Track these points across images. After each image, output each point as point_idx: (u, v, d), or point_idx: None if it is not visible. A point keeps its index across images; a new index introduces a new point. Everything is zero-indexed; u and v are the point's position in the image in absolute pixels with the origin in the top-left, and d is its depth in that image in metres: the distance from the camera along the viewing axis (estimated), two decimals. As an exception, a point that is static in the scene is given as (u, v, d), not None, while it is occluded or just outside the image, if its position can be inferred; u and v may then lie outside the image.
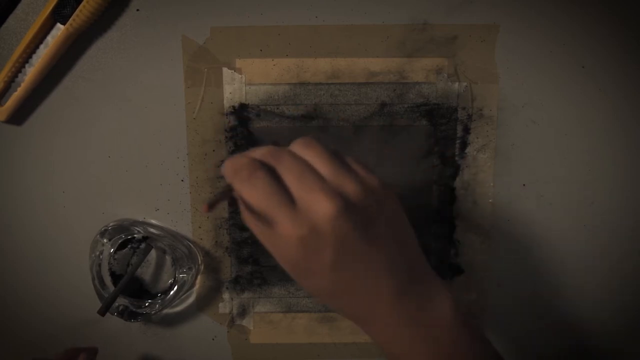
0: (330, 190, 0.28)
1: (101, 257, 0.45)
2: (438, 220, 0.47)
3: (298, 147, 0.30)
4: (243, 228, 0.47)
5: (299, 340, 0.50)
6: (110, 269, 0.47)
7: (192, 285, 0.48)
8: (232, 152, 0.46)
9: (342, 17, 0.44)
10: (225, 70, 0.45)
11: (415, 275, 0.31)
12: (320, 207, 0.27)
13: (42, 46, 0.43)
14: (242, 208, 0.30)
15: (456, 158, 0.46)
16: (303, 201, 0.28)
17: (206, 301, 0.49)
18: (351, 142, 0.46)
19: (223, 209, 0.47)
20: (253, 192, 0.28)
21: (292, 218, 0.28)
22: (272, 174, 0.29)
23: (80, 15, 0.41)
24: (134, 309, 0.46)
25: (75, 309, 0.49)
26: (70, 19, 0.41)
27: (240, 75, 0.45)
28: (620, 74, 0.45)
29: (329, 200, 0.27)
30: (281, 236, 0.28)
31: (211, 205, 0.29)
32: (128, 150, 0.46)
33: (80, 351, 0.44)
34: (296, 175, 0.28)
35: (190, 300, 0.49)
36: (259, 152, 0.30)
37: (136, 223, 0.46)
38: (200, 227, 0.47)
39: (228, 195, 0.31)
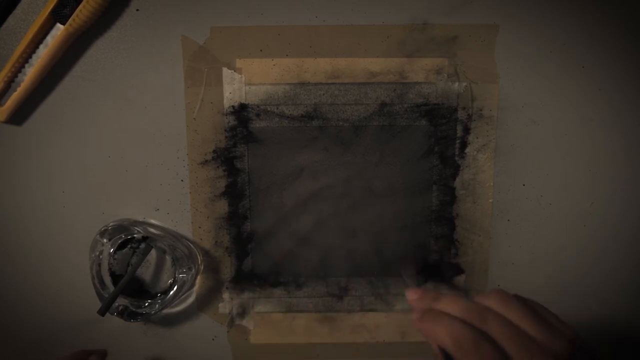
0: (549, 354, 0.28)
1: (101, 257, 0.45)
2: (438, 220, 0.47)
3: (496, 304, 0.30)
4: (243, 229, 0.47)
5: (299, 340, 0.50)
6: (110, 269, 0.47)
7: (192, 285, 0.48)
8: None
9: (342, 17, 0.44)
10: (225, 70, 0.45)
11: None
12: None
13: (42, 46, 0.43)
14: None
15: (456, 158, 0.46)
16: None
17: (206, 301, 0.49)
18: (351, 142, 0.46)
19: (222, 208, 0.47)
20: None
21: None
22: (495, 345, 0.29)
23: (80, 15, 0.41)
24: (134, 309, 0.46)
25: (75, 309, 0.49)
26: (70, 19, 0.41)
27: (240, 75, 0.45)
28: (620, 74, 0.45)
29: None
30: None
31: None
32: (128, 150, 0.46)
33: (90, 354, 0.44)
34: (514, 342, 0.29)
35: (190, 300, 0.49)
36: (458, 307, 0.30)
37: (136, 223, 0.46)
38: (200, 227, 0.47)
39: None
